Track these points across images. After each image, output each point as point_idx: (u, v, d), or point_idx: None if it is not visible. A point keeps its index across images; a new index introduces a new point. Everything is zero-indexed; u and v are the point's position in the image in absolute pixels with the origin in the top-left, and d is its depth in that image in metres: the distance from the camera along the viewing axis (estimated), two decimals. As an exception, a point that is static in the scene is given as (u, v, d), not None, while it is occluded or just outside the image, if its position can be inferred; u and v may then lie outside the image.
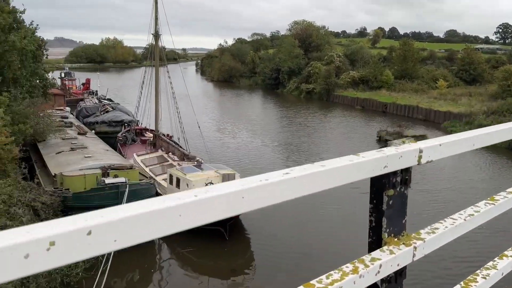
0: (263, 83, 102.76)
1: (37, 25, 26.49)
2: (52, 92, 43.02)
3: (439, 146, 1.76)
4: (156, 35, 27.54)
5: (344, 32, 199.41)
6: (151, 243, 19.92)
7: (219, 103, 75.47)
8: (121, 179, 18.64)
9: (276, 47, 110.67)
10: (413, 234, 1.73)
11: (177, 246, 19.52)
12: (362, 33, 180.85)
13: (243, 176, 28.28)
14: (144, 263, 17.91)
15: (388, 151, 1.56)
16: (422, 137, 40.43)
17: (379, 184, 1.61)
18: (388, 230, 1.61)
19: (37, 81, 26.17)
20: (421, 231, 1.79)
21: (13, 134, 21.63)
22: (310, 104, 73.96)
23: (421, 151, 1.66)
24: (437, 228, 1.83)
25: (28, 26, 25.34)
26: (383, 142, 41.64)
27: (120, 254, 18.08)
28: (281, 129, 49.68)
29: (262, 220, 22.48)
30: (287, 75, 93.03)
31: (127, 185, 18.10)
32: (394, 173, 1.58)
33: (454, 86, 77.14)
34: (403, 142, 1.66)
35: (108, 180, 18.50)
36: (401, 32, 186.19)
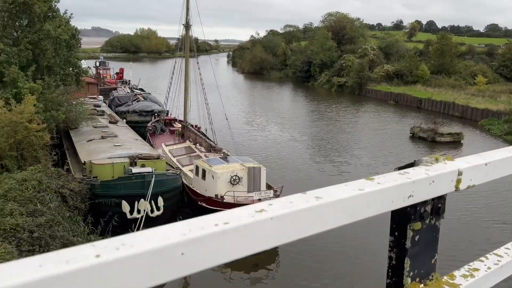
0: (293, 75, 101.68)
1: (71, 14, 26.93)
2: (86, 81, 44.05)
3: (484, 166, 1.33)
4: (187, 26, 27.43)
5: (379, 24, 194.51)
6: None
7: (249, 95, 75.19)
8: (148, 169, 18.71)
9: (309, 39, 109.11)
10: (445, 278, 1.31)
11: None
12: (398, 26, 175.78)
13: (271, 171, 28.13)
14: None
15: (415, 174, 1.15)
16: (458, 135, 39.03)
17: (402, 215, 1.22)
18: (412, 273, 1.22)
19: (70, 69, 26.61)
20: (456, 273, 1.37)
21: (45, 120, 22.14)
22: (341, 98, 72.60)
23: (460, 173, 1.24)
24: (477, 269, 1.39)
25: (62, 15, 25.78)
26: (416, 139, 40.30)
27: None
28: (311, 124, 48.76)
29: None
30: (319, 68, 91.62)
31: (153, 175, 18.14)
32: (423, 203, 1.20)
33: (494, 82, 73.87)
34: (436, 161, 1.26)
35: (135, 170, 18.62)
36: (439, 26, 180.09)
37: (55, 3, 25.46)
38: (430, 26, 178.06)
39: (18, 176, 16.42)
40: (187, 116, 29.44)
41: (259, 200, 18.98)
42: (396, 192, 1.08)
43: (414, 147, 38.87)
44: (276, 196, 19.89)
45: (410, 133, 41.35)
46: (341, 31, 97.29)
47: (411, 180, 1.11)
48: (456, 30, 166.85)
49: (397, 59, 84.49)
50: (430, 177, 1.14)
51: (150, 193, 17.55)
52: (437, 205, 1.23)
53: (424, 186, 1.13)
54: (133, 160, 19.98)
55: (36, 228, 13.54)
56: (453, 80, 72.29)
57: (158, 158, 20.92)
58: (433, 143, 38.51)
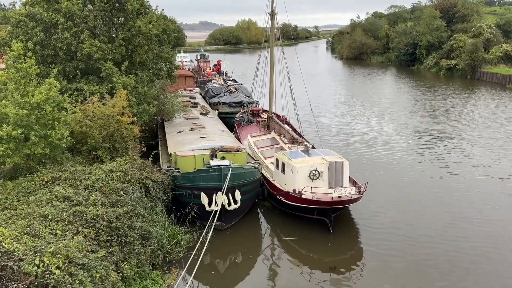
0: (397, 59, 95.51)
1: (163, 9, 27.94)
2: (183, 74, 46.07)
3: None
4: (272, 14, 26.70)
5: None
6: (255, 226, 19.71)
7: (346, 83, 72.10)
8: (225, 162, 18.57)
9: (414, 19, 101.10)
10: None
11: (280, 232, 18.92)
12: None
13: (362, 168, 26.27)
14: (246, 246, 17.70)
15: None
16: None
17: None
18: None
19: (162, 64, 27.70)
20: None
21: (137, 113, 23.34)
22: (451, 83, 65.97)
23: None
24: None
25: (154, 11, 26.85)
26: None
27: (224, 235, 18.27)
28: (415, 114, 44.15)
29: (378, 213, 20.48)
30: (425, 50, 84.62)
31: (230, 168, 17.93)
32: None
33: None
34: None
35: (213, 162, 18.62)
36: None
37: (147, 0, 26.56)
38: None
39: (106, 167, 17.40)
40: (272, 106, 28.88)
41: (339, 197, 17.71)
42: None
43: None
44: (359, 193, 18.39)
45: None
46: (451, 9, 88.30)
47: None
48: None
49: (519, 37, 74.14)
50: None
51: (226, 186, 17.36)
52: None
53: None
54: (214, 153, 20.04)
55: (115, 219, 14.12)
56: None
57: (238, 151, 20.72)
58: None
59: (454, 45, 76.38)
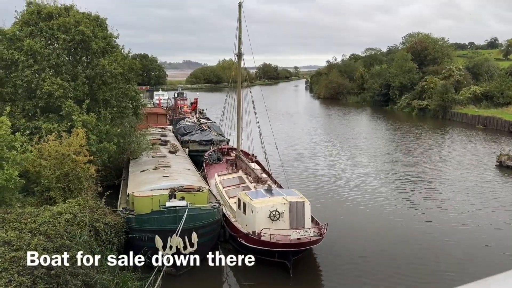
0: (371, 99, 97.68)
1: (130, 49, 27.98)
2: (155, 112, 45.86)
3: None
4: (239, 55, 27.04)
5: (472, 43, 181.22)
6: (214, 270, 18.86)
7: (322, 122, 73.02)
8: (182, 203, 17.96)
9: (388, 62, 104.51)
10: None
11: (240, 277, 18.14)
12: (492, 43, 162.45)
13: (329, 207, 25.69)
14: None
15: None
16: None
17: None
18: None
19: (129, 103, 27.41)
20: None
21: (97, 152, 22.73)
22: (423, 123, 67.41)
23: None
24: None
25: (121, 50, 26.83)
26: (504, 168, 35.24)
27: (179, 280, 17.37)
28: (389, 156, 43.60)
29: (342, 256, 19.91)
30: (398, 91, 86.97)
31: (186, 209, 17.31)
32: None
33: None
34: None
35: (169, 203, 17.98)
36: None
37: (115, 39, 26.61)
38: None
39: (55, 209, 16.58)
40: (239, 145, 28.66)
41: (298, 239, 17.20)
42: None
43: (500, 177, 33.89)
44: (320, 235, 17.92)
45: (497, 161, 36.34)
46: (422, 51, 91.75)
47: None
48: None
49: (486, 80, 76.97)
50: None
51: (180, 228, 16.69)
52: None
53: None
54: (173, 193, 19.43)
55: (55, 265, 13.24)
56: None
57: (198, 190, 20.16)
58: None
59: (425, 86, 78.76)
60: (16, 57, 22.35)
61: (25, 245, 13.79)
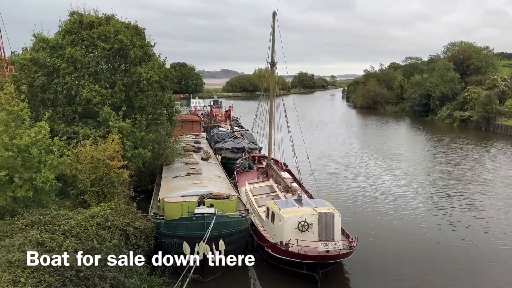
0: (410, 109, 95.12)
1: (166, 57, 28.58)
2: (189, 119, 46.58)
3: None
4: (272, 64, 27.04)
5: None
6: (240, 280, 18.75)
7: (358, 132, 71.60)
8: (210, 210, 17.99)
9: (429, 71, 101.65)
10: None
11: (267, 285, 17.94)
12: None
13: (360, 220, 24.79)
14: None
15: None
16: None
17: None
18: None
19: (164, 110, 27.92)
20: None
21: (131, 157, 23.24)
22: (465, 135, 64.79)
23: None
24: None
25: (157, 58, 27.46)
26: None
27: (203, 286, 17.35)
28: (429, 169, 41.58)
29: (373, 269, 19.27)
30: (439, 101, 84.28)
31: (214, 217, 17.31)
32: None
33: None
34: None
35: (197, 210, 18.06)
36: None
37: (151, 48, 27.27)
38: None
39: (88, 212, 17.02)
40: (271, 153, 28.52)
41: (327, 252, 16.78)
42: None
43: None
44: (350, 248, 17.42)
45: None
46: (465, 61, 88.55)
47: None
48: None
49: (535, 90, 73.33)
50: None
51: (207, 235, 16.67)
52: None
53: None
54: (202, 199, 19.53)
55: (84, 268, 13.53)
56: None
57: (227, 198, 20.16)
58: None
59: (468, 96, 75.88)
60: (58, 64, 23.29)
61: (57, 247, 14.20)
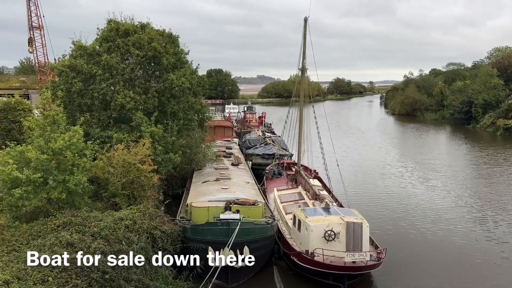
0: (451, 117, 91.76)
1: (198, 64, 29.04)
2: (221, 125, 47.02)
3: None
4: (303, 70, 26.86)
5: None
6: (268, 283, 18.58)
7: (395, 140, 69.66)
8: (236, 216, 17.98)
9: (471, 77, 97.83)
10: None
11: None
12: None
13: (403, 237, 23.62)
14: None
15: None
16: None
17: None
18: None
19: (194, 115, 28.34)
20: None
21: (162, 162, 23.68)
22: (509, 144, 61.56)
23: None
24: None
25: (190, 65, 27.94)
26: None
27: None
28: (469, 179, 39.44)
29: (403, 284, 18.56)
30: (481, 109, 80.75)
31: (239, 223, 17.27)
32: None
33: None
34: None
35: (222, 216, 18.10)
36: None
37: (185, 55, 27.76)
38: None
39: (117, 215, 17.43)
40: (300, 160, 28.24)
41: (353, 262, 16.34)
42: None
43: None
44: (378, 259, 16.89)
45: None
46: (510, 67, 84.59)
47: None
48: None
49: None
50: None
51: (232, 241, 16.65)
52: None
53: None
54: (228, 205, 19.56)
55: (110, 270, 13.83)
56: None
57: (253, 204, 20.09)
58: None
59: (513, 104, 72.44)
60: (94, 71, 24.14)
61: (85, 248, 14.61)
